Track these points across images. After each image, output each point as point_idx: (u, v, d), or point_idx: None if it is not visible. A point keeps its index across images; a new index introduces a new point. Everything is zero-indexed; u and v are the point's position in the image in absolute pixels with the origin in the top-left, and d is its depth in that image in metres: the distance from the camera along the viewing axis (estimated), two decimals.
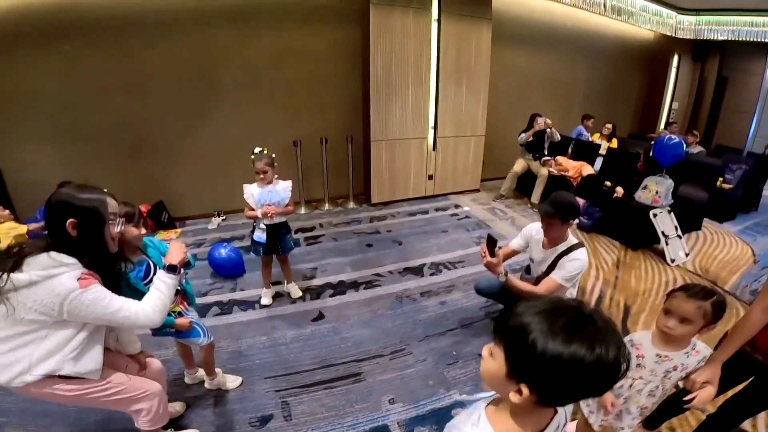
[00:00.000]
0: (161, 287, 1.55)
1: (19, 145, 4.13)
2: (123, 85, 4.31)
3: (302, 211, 5.12)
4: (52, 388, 1.41)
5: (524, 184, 5.60)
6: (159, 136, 4.57)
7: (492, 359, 0.76)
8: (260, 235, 2.84)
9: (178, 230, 4.58)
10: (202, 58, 4.53)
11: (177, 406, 2.11)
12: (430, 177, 5.63)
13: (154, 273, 1.75)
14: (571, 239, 2.33)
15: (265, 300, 3.10)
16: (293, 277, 3.28)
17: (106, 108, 4.27)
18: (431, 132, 5.36)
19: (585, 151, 5.55)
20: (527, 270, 2.69)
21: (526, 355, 0.67)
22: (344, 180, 5.36)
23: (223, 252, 3.50)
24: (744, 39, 6.59)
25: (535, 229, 2.52)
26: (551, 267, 2.32)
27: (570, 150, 5.73)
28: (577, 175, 5.07)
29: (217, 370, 2.29)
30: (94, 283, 1.35)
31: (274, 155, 2.82)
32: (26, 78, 3.99)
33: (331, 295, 3.23)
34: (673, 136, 4.12)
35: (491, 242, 2.22)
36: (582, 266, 2.23)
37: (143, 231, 1.80)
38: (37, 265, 1.28)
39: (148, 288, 1.59)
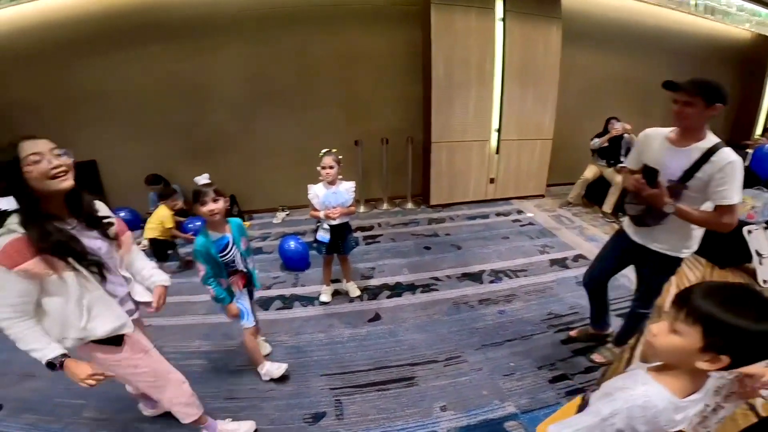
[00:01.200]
0: (32, 345, 1.39)
1: (110, 141, 4.66)
2: (198, 86, 4.70)
3: (361, 209, 5.24)
4: (91, 355, 1.53)
5: (595, 191, 5.32)
6: (231, 134, 4.92)
7: (677, 335, 0.93)
8: (324, 235, 2.91)
9: (247, 223, 4.87)
10: (271, 59, 4.83)
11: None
12: (492, 180, 5.52)
13: (231, 249, 2.13)
14: (712, 136, 1.81)
15: (325, 297, 3.22)
16: (352, 276, 3.37)
17: (184, 107, 4.70)
18: (494, 134, 5.25)
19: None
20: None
21: (730, 334, 0.85)
22: (403, 180, 5.42)
23: (292, 244, 3.73)
24: None
25: (650, 131, 2.06)
26: (691, 172, 1.80)
27: None
28: None
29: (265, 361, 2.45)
30: (8, 264, 1.27)
31: (341, 157, 2.89)
32: (118, 78, 4.54)
33: (387, 297, 3.28)
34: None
35: (651, 173, 1.87)
36: (742, 172, 1.73)
37: (212, 208, 2.02)
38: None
39: (222, 259, 2.05)
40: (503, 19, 4.80)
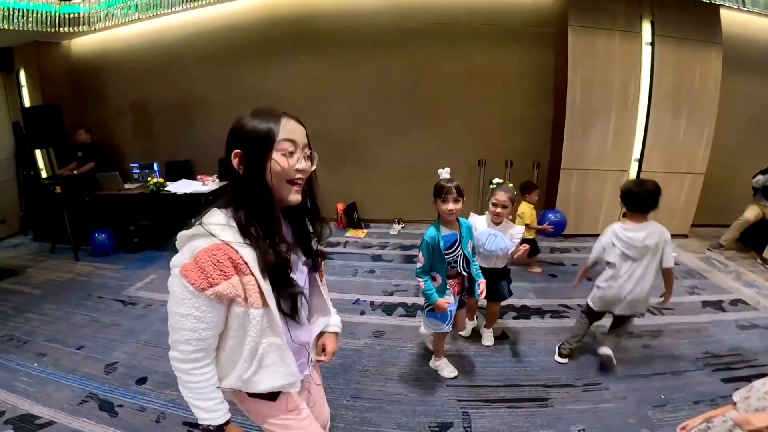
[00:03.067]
0: (197, 401, 1.09)
1: None
2: (337, 94, 5.23)
3: None
4: (235, 399, 1.24)
5: (754, 235, 4.68)
6: (360, 142, 5.36)
7: None
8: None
9: (365, 231, 5.19)
10: (405, 74, 5.22)
11: None
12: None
13: (456, 248, 2.15)
14: None
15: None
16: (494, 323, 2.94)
17: (323, 113, 5.20)
18: (635, 164, 4.94)
19: None
20: None
21: None
22: None
23: None
24: None
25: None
26: None
27: None
28: None
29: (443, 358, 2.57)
30: (196, 284, 0.96)
31: (515, 192, 2.56)
32: (271, 81, 5.35)
33: (513, 318, 3.22)
34: None
35: None
36: None
37: (452, 208, 2.07)
38: (195, 225, 1.04)
39: (447, 257, 2.11)
40: (651, 44, 4.60)
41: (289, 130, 1.04)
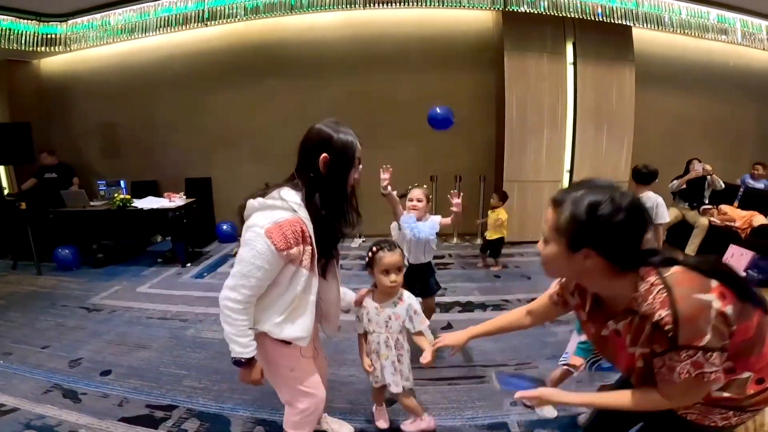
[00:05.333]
0: (236, 337, 1.31)
1: (226, 161, 5.47)
2: (300, 116, 5.28)
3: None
4: (264, 348, 1.43)
5: (675, 235, 5.05)
6: None
7: None
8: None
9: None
10: (363, 97, 5.43)
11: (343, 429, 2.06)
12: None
13: None
14: None
15: None
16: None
17: (289, 135, 5.28)
18: (566, 176, 5.28)
19: (757, 201, 4.84)
20: None
21: None
22: (474, 218, 5.52)
23: None
24: None
25: None
26: None
27: (737, 200, 5.05)
28: (746, 226, 4.43)
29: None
30: (279, 245, 1.23)
31: (429, 194, 2.74)
32: (237, 105, 5.47)
33: (459, 311, 3.36)
34: None
35: None
36: None
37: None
38: (269, 196, 1.32)
39: None
40: (574, 63, 4.99)
41: (359, 147, 1.42)
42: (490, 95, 5.44)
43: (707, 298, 0.87)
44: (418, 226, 2.58)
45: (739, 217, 4.54)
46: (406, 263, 2.42)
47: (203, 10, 4.97)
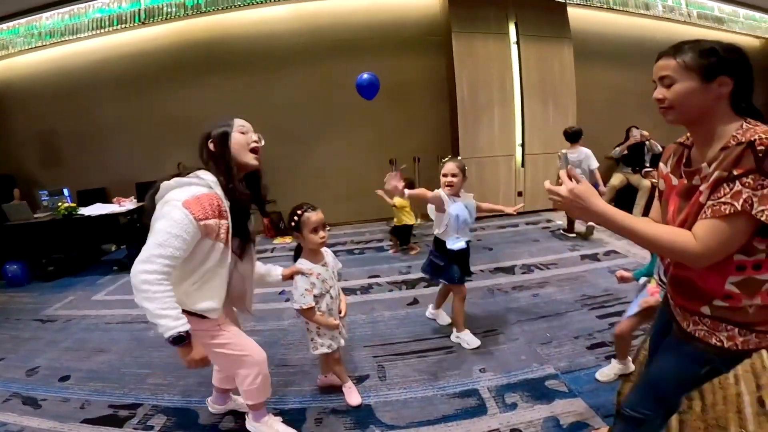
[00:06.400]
0: (163, 313, 1.24)
1: (176, 161, 5.10)
2: (254, 110, 5.14)
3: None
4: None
5: (622, 198, 5.25)
6: (279, 156, 5.27)
7: None
8: (461, 244, 2.34)
9: (289, 238, 5.10)
10: (317, 86, 5.31)
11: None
12: (520, 194, 5.55)
13: None
14: None
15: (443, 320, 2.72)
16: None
17: None
18: (519, 149, 5.36)
19: None
20: None
21: None
22: None
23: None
24: None
25: None
26: None
27: None
28: None
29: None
30: (197, 215, 1.27)
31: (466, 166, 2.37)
32: (185, 103, 5.15)
33: (424, 287, 3.34)
34: None
35: None
36: None
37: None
38: (186, 176, 1.40)
39: None
40: (517, 43, 5.06)
41: (238, 122, 1.53)
42: (441, 77, 5.45)
43: None
44: (465, 214, 2.31)
45: None
46: (464, 245, 2.35)
47: (139, 10, 4.67)
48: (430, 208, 2.44)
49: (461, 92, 5.03)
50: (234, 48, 5.15)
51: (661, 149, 5.02)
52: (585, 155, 4.21)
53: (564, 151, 1.41)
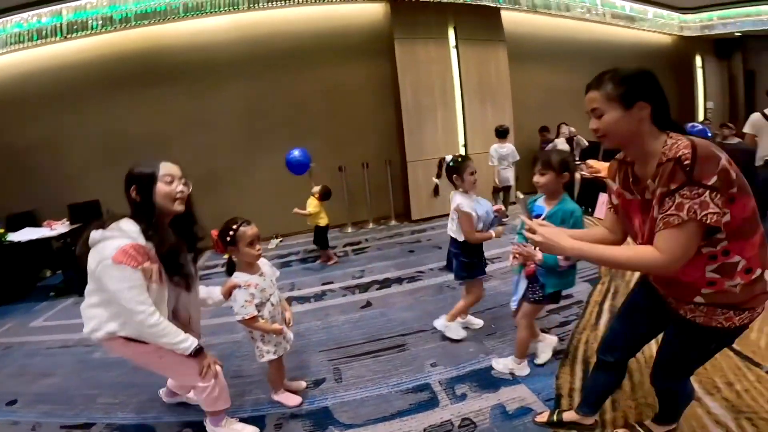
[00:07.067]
0: (181, 338, 1.53)
1: (113, 179, 4.81)
2: (196, 122, 5.04)
3: (349, 230, 5.42)
4: (119, 346, 1.57)
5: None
6: (226, 168, 5.19)
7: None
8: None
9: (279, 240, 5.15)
10: (264, 98, 5.24)
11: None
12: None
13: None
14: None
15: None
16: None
17: (183, 142, 4.95)
18: (462, 149, 5.58)
19: (615, 152, 5.54)
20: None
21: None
22: (386, 200, 5.64)
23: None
24: (756, 29, 6.45)
25: None
26: None
27: (601, 154, 5.72)
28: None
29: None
30: (132, 264, 1.39)
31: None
32: (119, 118, 4.91)
33: (377, 289, 3.43)
34: (697, 124, 4.11)
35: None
36: None
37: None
38: (109, 228, 1.44)
39: None
40: (457, 47, 5.28)
41: (165, 168, 1.52)
42: (387, 83, 5.56)
43: (720, 154, 1.04)
44: (490, 212, 2.38)
45: (603, 168, 5.12)
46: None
47: (61, 25, 4.42)
48: (452, 196, 2.44)
49: (405, 96, 5.18)
50: (171, 60, 4.98)
51: (587, 143, 5.43)
52: (511, 150, 4.95)
53: (522, 196, 1.55)
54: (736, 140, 5.74)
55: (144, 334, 1.48)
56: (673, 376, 1.42)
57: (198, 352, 1.58)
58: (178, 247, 1.60)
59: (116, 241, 1.42)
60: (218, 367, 1.69)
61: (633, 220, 1.26)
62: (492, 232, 2.36)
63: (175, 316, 1.68)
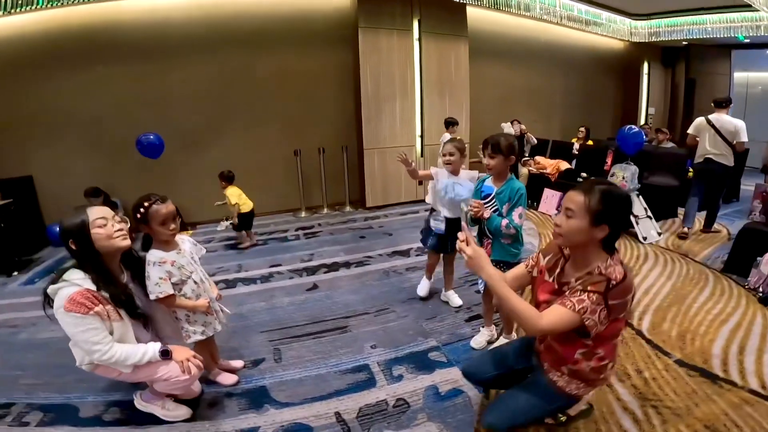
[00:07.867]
0: (141, 353, 1.59)
1: (50, 155, 4.55)
2: (144, 102, 4.75)
3: (303, 215, 5.38)
4: (107, 371, 1.65)
5: None
6: (176, 148, 4.92)
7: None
8: (438, 226, 2.59)
9: (190, 231, 4.85)
10: (217, 77, 5.02)
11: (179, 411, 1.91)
12: (420, 182, 5.87)
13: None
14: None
15: (423, 292, 2.92)
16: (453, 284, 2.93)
17: (129, 123, 4.66)
18: (418, 140, 5.66)
19: (562, 151, 5.82)
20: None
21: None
22: (341, 187, 5.63)
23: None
24: (700, 37, 6.86)
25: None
26: None
27: (548, 152, 6.00)
28: (554, 172, 5.31)
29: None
30: (81, 311, 1.46)
31: (467, 144, 2.68)
32: (61, 95, 4.51)
33: (324, 272, 3.45)
34: (634, 127, 4.37)
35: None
36: None
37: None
38: (59, 281, 1.52)
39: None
40: (419, 39, 5.31)
41: (96, 214, 1.54)
42: (347, 70, 5.49)
43: (634, 289, 1.31)
44: (456, 189, 2.45)
45: (549, 164, 5.42)
46: (443, 218, 2.56)
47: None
48: (431, 186, 2.64)
49: (365, 85, 5.16)
50: (122, 37, 4.61)
51: (535, 141, 5.68)
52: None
53: (464, 206, 1.71)
54: (670, 145, 6.19)
55: (110, 365, 1.57)
56: (506, 421, 1.47)
57: (165, 354, 1.64)
58: (128, 291, 1.65)
59: (65, 290, 1.49)
60: (198, 361, 1.72)
61: (539, 295, 1.47)
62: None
63: (147, 329, 1.78)
